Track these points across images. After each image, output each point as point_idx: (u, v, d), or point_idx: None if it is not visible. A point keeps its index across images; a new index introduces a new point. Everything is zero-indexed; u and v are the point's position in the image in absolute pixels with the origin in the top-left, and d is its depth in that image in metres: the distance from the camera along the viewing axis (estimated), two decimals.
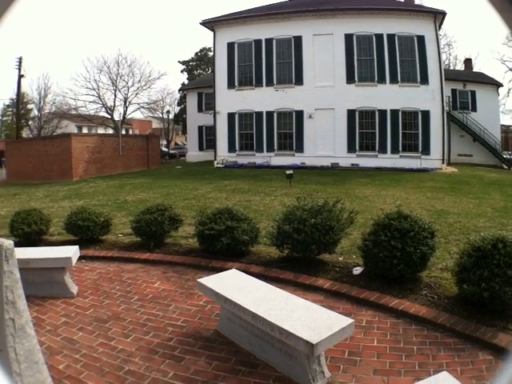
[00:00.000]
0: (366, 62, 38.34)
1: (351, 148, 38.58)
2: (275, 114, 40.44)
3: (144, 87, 68.90)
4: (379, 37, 37.66)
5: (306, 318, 5.57)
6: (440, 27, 38.96)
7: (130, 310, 8.15)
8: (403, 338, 6.63)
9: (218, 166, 40.95)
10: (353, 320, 5.67)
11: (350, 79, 38.51)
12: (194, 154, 55.35)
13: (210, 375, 5.72)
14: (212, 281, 7.13)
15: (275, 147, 40.54)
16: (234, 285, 6.84)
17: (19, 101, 62.10)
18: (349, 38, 38.25)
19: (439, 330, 6.84)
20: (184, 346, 6.58)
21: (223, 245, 10.21)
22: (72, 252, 9.11)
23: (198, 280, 7.31)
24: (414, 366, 5.85)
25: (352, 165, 37.21)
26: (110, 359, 6.36)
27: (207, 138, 53.63)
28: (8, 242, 4.86)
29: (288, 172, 23.50)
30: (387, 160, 36.81)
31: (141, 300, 8.58)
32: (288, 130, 40.35)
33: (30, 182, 37.53)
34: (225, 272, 7.89)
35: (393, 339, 6.62)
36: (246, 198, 20.43)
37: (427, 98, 37.11)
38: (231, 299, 6.26)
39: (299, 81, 39.82)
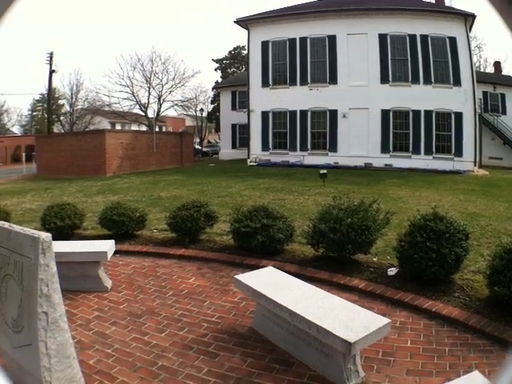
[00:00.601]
0: (399, 62, 38.06)
1: (385, 148, 38.32)
2: (309, 113, 40.31)
3: (178, 85, 69.11)
4: (412, 37, 37.37)
5: (344, 316, 5.52)
6: (470, 29, 38.53)
7: (165, 305, 8.15)
8: (435, 340, 6.58)
9: (251, 164, 40.94)
10: (389, 320, 5.62)
11: (384, 79, 38.27)
12: (226, 152, 55.32)
13: (245, 372, 5.68)
14: (249, 278, 7.08)
15: (309, 146, 40.44)
16: (271, 282, 6.79)
17: (50, 96, 62.33)
18: (383, 37, 38.01)
19: (470, 332, 6.80)
20: (219, 343, 6.55)
21: (258, 242, 10.15)
22: (108, 246, 9.12)
23: (235, 276, 7.27)
24: (445, 366, 5.81)
25: (385, 165, 36.94)
26: (143, 354, 6.34)
27: (240, 136, 53.63)
28: (45, 235, 4.84)
29: (322, 171, 23.43)
30: (420, 161, 36.49)
31: (176, 295, 8.58)
32: (322, 129, 40.18)
33: (62, 176, 37.77)
34: (261, 269, 7.84)
35: (426, 340, 6.57)
36: (280, 196, 20.36)
37: (460, 99, 36.76)
38: (268, 296, 6.21)
39: (333, 80, 39.64)
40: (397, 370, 5.73)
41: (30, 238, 4.87)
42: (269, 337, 6.60)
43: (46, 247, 4.79)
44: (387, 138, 38.39)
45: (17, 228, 5.29)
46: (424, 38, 37.19)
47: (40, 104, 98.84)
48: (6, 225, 5.56)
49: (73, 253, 8.46)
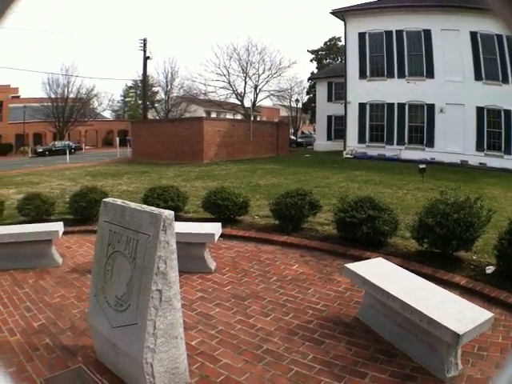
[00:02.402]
0: (490, 60, 36.86)
1: (479, 146, 37.30)
2: (406, 107, 39.80)
3: (274, 75, 69.23)
4: (499, 37, 36.03)
5: (453, 309, 5.50)
6: None
7: (269, 289, 8.21)
8: None
9: (347, 156, 40.72)
10: (493, 314, 5.61)
11: (477, 76, 37.27)
12: (321, 144, 55.09)
13: (350, 361, 5.65)
14: (358, 267, 7.03)
15: (406, 140, 39.95)
16: (381, 273, 6.74)
17: (146, 82, 63.20)
18: (473, 35, 36.99)
19: None
20: (324, 330, 6.54)
21: (363, 233, 10.07)
22: (215, 229, 9.26)
23: (345, 265, 7.22)
24: None
25: (480, 164, 35.96)
26: (248, 337, 6.38)
27: (335, 127, 53.44)
28: (168, 212, 4.91)
29: (421, 166, 23.04)
30: None
31: (280, 281, 8.63)
32: (419, 123, 39.57)
33: (158, 161, 38.44)
34: (370, 260, 7.89)
35: None
36: (379, 189, 20.07)
37: None
38: (380, 286, 6.17)
39: (430, 74, 38.97)
40: (488, 363, 5.68)
41: (150, 214, 4.96)
42: (373, 327, 6.57)
43: (168, 224, 4.87)
44: (482, 136, 37.36)
45: (132, 205, 5.36)
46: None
47: (133, 90, 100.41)
48: (119, 201, 5.64)
49: (182, 233, 8.50)
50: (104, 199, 5.90)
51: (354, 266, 7.10)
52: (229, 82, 67.32)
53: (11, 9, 1.02)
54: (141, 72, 64.49)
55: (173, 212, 5.03)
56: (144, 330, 4.77)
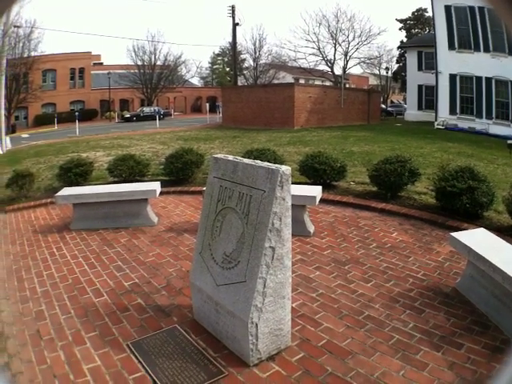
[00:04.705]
0: None
1: None
2: (493, 81, 38.67)
3: (364, 42, 68.86)
4: None
5: None
6: None
7: (369, 255, 8.13)
8: None
9: (438, 127, 40.18)
10: None
11: None
12: (412, 113, 54.14)
13: (448, 331, 5.58)
14: (463, 236, 6.85)
15: (493, 115, 38.85)
16: (484, 244, 6.54)
17: (236, 48, 63.28)
18: None
19: None
20: (424, 299, 6.45)
21: (462, 204, 9.81)
22: (316, 191, 9.19)
23: (451, 234, 7.04)
24: None
25: None
26: (349, 302, 6.34)
27: (426, 97, 52.50)
28: (285, 167, 4.80)
29: (509, 142, 22.66)
30: None
31: (379, 248, 8.54)
32: (505, 99, 38.33)
33: (247, 127, 38.76)
34: (473, 230, 7.69)
35: None
36: (471, 162, 19.59)
37: None
38: (484, 256, 6.00)
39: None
40: None
41: (266, 170, 4.84)
42: (470, 299, 6.46)
43: (285, 180, 4.76)
44: None
45: (246, 160, 5.26)
46: None
47: (220, 58, 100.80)
48: (230, 157, 5.55)
49: None
50: (214, 155, 5.82)
51: (459, 235, 6.94)
52: (318, 49, 67.52)
53: (10, 10, 0.88)
54: (228, 39, 64.94)
55: (289, 168, 4.92)
56: (253, 288, 4.70)
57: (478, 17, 39.29)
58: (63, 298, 6.70)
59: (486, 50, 38.96)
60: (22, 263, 8.33)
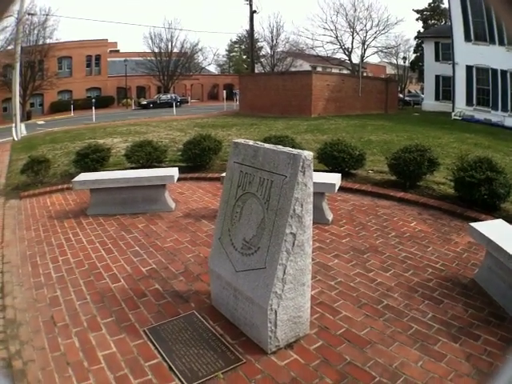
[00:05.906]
0: None
1: None
2: (508, 74, 38.32)
3: (382, 31, 68.67)
4: None
5: None
6: None
7: (388, 244, 8.09)
8: None
9: (455, 117, 40.02)
10: None
11: None
12: (429, 103, 53.99)
13: (466, 322, 5.53)
14: (482, 227, 6.79)
15: (509, 108, 38.50)
16: (503, 235, 6.46)
17: (253, 35, 63.12)
18: None
19: None
20: (443, 290, 6.40)
21: (481, 195, 9.71)
22: (335, 179, 9.13)
23: (470, 224, 6.98)
24: None
25: None
26: (368, 291, 6.31)
27: (443, 88, 52.22)
28: (307, 153, 4.74)
29: None
30: None
31: (398, 237, 8.49)
32: None
33: (265, 114, 38.61)
34: (492, 221, 7.64)
35: None
36: (488, 154, 19.53)
37: None
38: (503, 248, 5.91)
39: None
40: None
41: (287, 155, 4.79)
42: (488, 290, 6.41)
43: (307, 165, 4.70)
44: None
45: (267, 145, 5.20)
46: None
47: (237, 45, 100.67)
48: (251, 142, 5.49)
49: None
50: (234, 140, 5.77)
51: (478, 226, 6.89)
52: (336, 37, 67.45)
53: (9, 11, 0.88)
54: (246, 27, 64.86)
55: (311, 153, 4.86)
56: (273, 275, 4.66)
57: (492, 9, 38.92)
58: (79, 284, 6.70)
59: (501, 43, 38.63)
60: (37, 249, 8.34)
